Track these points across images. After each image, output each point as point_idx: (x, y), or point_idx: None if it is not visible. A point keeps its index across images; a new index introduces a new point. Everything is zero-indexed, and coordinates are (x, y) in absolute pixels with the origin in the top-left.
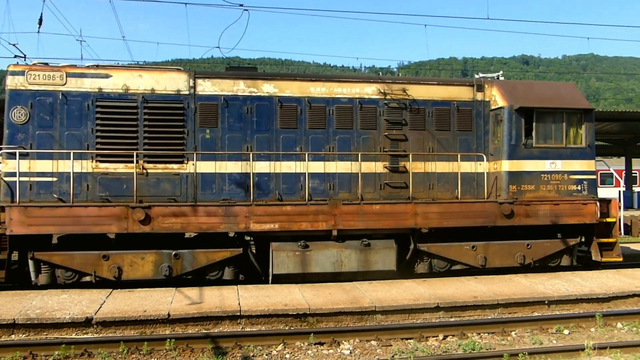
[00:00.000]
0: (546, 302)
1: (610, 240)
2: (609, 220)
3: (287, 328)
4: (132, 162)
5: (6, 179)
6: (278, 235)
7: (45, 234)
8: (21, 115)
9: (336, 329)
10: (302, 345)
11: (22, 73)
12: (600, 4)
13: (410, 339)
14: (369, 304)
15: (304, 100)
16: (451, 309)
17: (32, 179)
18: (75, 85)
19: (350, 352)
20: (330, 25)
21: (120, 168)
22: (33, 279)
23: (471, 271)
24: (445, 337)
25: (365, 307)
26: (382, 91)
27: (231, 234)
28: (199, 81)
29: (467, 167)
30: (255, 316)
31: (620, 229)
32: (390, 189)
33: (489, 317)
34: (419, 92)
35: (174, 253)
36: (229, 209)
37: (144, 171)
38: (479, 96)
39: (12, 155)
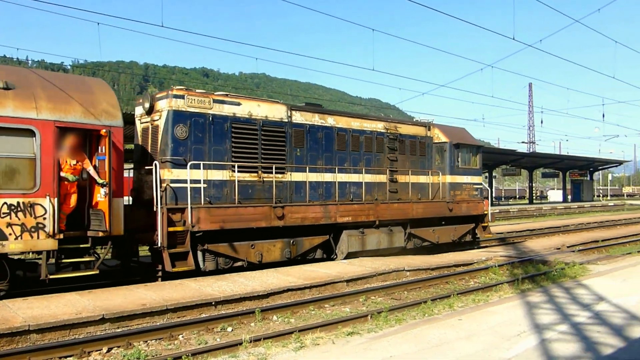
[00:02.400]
0: (213, 303)
1: (485, 224)
2: (485, 212)
3: None
4: (255, 172)
5: (172, 185)
6: (346, 226)
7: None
8: (183, 132)
9: None
10: None
11: (182, 97)
12: (269, 27)
13: (71, 356)
14: (22, 323)
15: (349, 130)
16: (118, 320)
17: (191, 185)
18: (218, 109)
19: None
20: None
21: (247, 177)
22: (202, 266)
23: (430, 248)
24: (110, 350)
25: (16, 327)
26: (386, 127)
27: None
28: (293, 112)
29: (428, 179)
30: None
31: (489, 218)
32: (390, 193)
33: (158, 324)
34: (403, 129)
35: (292, 241)
36: (327, 207)
37: (262, 179)
38: (429, 134)
39: (175, 165)
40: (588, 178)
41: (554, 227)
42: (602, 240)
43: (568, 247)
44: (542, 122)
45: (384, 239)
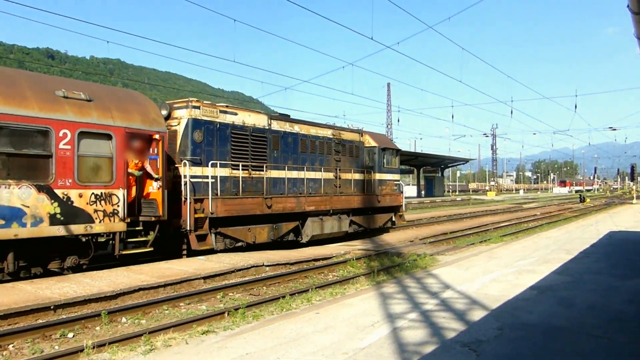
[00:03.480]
0: (52, 307)
1: (400, 213)
2: (401, 204)
3: None
4: (247, 169)
5: (191, 180)
6: (310, 214)
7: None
8: (199, 136)
9: None
10: None
11: (198, 107)
12: (121, 8)
13: None
14: None
15: (309, 136)
16: None
17: (202, 180)
18: (222, 118)
19: None
20: None
21: (241, 174)
22: (214, 247)
23: (363, 232)
24: None
25: None
26: (333, 134)
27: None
28: (272, 121)
29: (363, 177)
30: None
31: (404, 208)
32: (336, 188)
33: None
34: (344, 135)
35: (274, 225)
36: (299, 198)
37: (252, 176)
38: (361, 139)
39: (193, 164)
40: (439, 175)
41: (409, 220)
42: (450, 233)
43: (420, 239)
44: (398, 120)
45: (335, 225)
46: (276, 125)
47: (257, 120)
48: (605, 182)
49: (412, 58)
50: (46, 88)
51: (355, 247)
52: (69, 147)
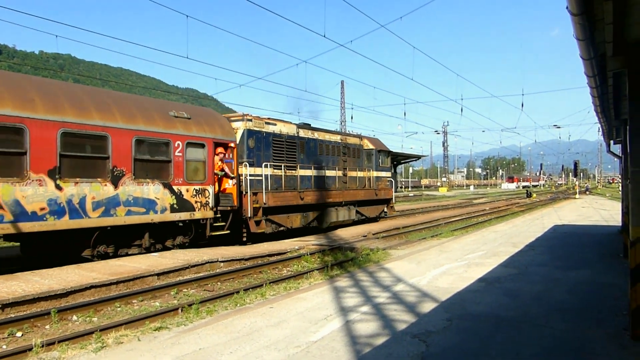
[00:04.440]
0: (0, 306)
1: (392, 204)
2: (391, 197)
3: None
4: (281, 169)
5: (249, 177)
6: (328, 204)
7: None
8: (252, 143)
9: None
10: None
11: (251, 120)
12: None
13: None
14: None
15: (324, 141)
16: None
17: (256, 177)
18: (266, 128)
19: None
20: None
21: (279, 172)
22: (265, 230)
23: (364, 220)
24: None
25: None
26: (341, 139)
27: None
28: (299, 130)
29: (364, 174)
30: None
31: (394, 200)
32: (344, 184)
33: None
34: (348, 140)
35: (304, 214)
36: (321, 192)
37: (287, 174)
38: (361, 143)
39: (249, 165)
40: (393, 171)
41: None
42: (403, 227)
43: (373, 234)
44: (352, 117)
45: (346, 214)
46: (302, 133)
47: (289, 129)
48: (551, 178)
49: (365, 56)
50: (164, 110)
51: (310, 242)
52: (180, 154)
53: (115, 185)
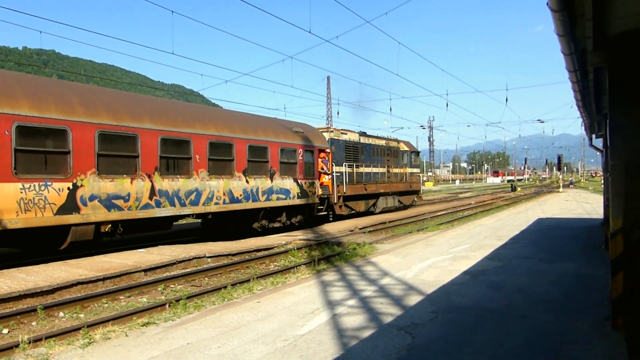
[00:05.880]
0: None
1: (420, 195)
2: (420, 188)
3: None
4: (352, 167)
5: (336, 174)
6: (380, 194)
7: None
8: (334, 148)
9: None
10: None
11: (332, 131)
12: None
13: None
14: None
15: (375, 145)
16: None
17: (336, 173)
18: (341, 137)
19: None
20: None
21: (350, 170)
22: (344, 213)
23: (400, 207)
24: None
25: None
26: (386, 143)
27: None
28: (360, 137)
29: (402, 171)
30: None
31: (421, 192)
32: (388, 178)
33: None
34: (390, 143)
35: (366, 201)
36: (377, 184)
37: (354, 171)
38: (399, 145)
39: (335, 164)
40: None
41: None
42: (389, 222)
43: (360, 228)
44: (338, 113)
45: (391, 201)
46: (362, 140)
47: (354, 137)
48: (535, 172)
49: (350, 52)
50: (290, 128)
51: (297, 237)
52: (301, 158)
53: (271, 180)
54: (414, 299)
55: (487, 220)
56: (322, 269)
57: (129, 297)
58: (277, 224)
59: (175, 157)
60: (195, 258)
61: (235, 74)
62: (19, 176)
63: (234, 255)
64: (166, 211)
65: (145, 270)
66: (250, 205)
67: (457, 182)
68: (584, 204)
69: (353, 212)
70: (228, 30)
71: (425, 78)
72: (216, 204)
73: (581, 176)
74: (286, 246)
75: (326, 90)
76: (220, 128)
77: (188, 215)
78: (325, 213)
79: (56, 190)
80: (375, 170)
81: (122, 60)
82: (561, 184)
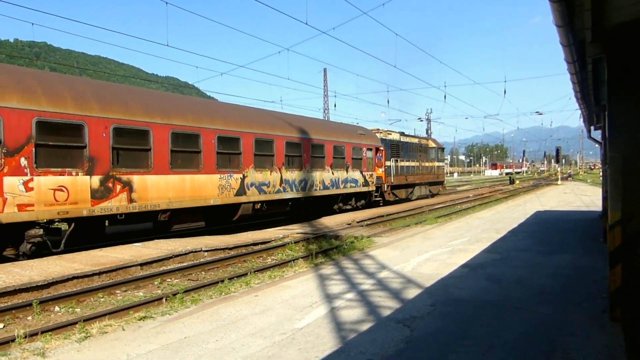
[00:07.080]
0: None
1: (445, 185)
2: (444, 179)
3: None
4: (396, 161)
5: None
6: (415, 184)
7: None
8: (386, 147)
9: None
10: None
11: (381, 132)
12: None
13: None
14: None
15: (410, 143)
16: None
17: (389, 168)
18: (387, 137)
19: None
20: None
21: (394, 164)
22: (390, 199)
23: (428, 195)
24: None
25: None
26: (418, 141)
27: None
28: (400, 136)
29: (431, 164)
30: None
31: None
32: (420, 170)
33: None
34: (421, 141)
35: (406, 189)
36: (414, 175)
37: (396, 165)
38: (428, 143)
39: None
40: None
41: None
42: (387, 215)
43: (358, 222)
44: (335, 105)
45: (424, 190)
46: (401, 138)
47: (396, 136)
48: (533, 165)
49: (347, 43)
50: (356, 131)
51: (294, 230)
52: (364, 154)
53: (346, 172)
54: (412, 292)
55: (486, 213)
56: (320, 262)
57: (125, 291)
58: (348, 206)
59: (292, 155)
60: (192, 252)
61: (231, 66)
62: (219, 170)
63: (230, 249)
64: (288, 194)
65: (142, 265)
66: (334, 191)
67: (455, 174)
68: (583, 196)
69: (397, 198)
70: (223, 22)
71: (423, 70)
72: (315, 190)
73: (580, 168)
74: (283, 240)
75: (323, 83)
76: (315, 133)
77: (298, 199)
78: (379, 199)
79: (235, 180)
80: (411, 164)
81: (115, 52)
82: (559, 177)
